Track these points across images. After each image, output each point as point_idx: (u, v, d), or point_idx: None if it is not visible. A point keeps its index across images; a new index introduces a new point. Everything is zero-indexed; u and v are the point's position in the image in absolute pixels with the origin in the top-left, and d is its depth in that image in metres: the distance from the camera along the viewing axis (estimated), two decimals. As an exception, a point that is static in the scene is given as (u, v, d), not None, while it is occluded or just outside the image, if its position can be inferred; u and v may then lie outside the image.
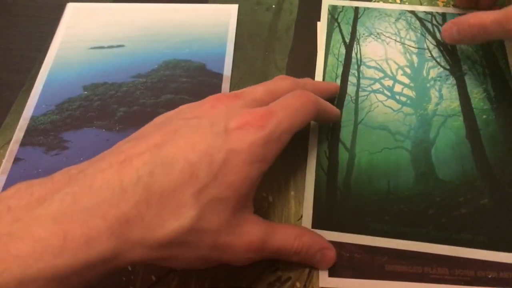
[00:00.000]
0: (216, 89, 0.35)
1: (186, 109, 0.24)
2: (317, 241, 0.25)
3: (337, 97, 0.33)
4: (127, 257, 0.19)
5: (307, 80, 0.29)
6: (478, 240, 0.27)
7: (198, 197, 0.20)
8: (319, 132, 0.32)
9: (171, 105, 0.34)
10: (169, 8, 0.40)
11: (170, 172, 0.20)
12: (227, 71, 0.36)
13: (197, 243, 0.20)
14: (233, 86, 0.35)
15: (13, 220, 0.18)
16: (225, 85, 0.35)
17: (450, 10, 0.38)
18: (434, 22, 0.37)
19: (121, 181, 0.19)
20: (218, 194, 0.20)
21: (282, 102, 0.24)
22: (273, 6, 0.40)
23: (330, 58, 0.35)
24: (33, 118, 0.34)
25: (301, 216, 0.29)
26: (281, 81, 0.27)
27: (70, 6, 0.40)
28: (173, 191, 0.19)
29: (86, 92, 0.35)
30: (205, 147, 0.21)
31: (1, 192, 0.20)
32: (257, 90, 0.25)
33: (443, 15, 0.37)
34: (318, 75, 0.34)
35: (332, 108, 0.30)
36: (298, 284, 0.26)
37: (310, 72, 0.35)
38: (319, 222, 0.28)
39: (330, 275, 0.26)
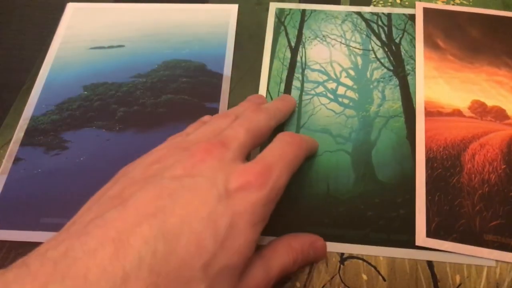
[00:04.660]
0: (216, 89, 0.35)
1: (169, 162, 0.22)
2: (305, 241, 0.26)
3: None
4: None
5: (273, 106, 0.29)
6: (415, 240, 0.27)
7: (207, 269, 0.18)
8: None
9: (171, 105, 0.34)
10: (169, 8, 0.40)
11: (174, 247, 0.18)
12: (227, 71, 0.36)
13: None
14: (233, 86, 0.35)
15: None
16: (225, 85, 0.35)
17: (396, 10, 0.38)
18: (380, 23, 0.37)
19: (122, 267, 0.16)
20: (227, 262, 0.19)
21: (277, 152, 0.23)
22: (273, 6, 0.40)
23: (275, 62, 0.35)
24: (33, 118, 0.34)
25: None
26: (256, 116, 0.26)
27: (70, 6, 0.40)
28: (180, 267, 0.18)
29: (86, 92, 0.35)
30: (208, 213, 0.19)
31: None
32: (240, 134, 0.24)
33: (389, 16, 0.37)
34: (263, 81, 0.34)
35: (314, 145, 0.30)
36: (298, 284, 0.26)
37: (310, 72, 0.35)
38: None
39: None
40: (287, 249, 0.24)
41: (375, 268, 0.27)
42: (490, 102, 0.32)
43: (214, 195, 0.20)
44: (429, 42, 0.35)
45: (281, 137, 0.25)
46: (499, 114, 0.32)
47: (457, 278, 0.26)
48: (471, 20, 0.36)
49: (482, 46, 0.35)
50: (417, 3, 0.37)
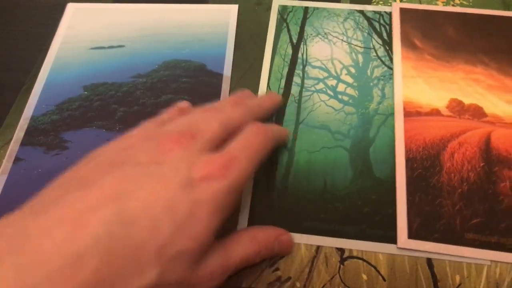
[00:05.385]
0: (216, 89, 0.35)
1: (138, 150, 0.22)
2: (270, 233, 0.26)
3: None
4: None
5: (254, 102, 0.29)
6: None
7: (161, 253, 0.19)
8: None
9: (171, 105, 0.34)
10: (169, 8, 0.40)
11: (131, 230, 0.18)
12: (227, 71, 0.36)
13: None
14: (233, 86, 0.35)
15: None
16: (225, 85, 0.35)
17: None
18: (382, 21, 0.37)
19: (77, 246, 0.17)
20: (182, 247, 0.19)
21: (242, 143, 0.24)
22: (273, 6, 0.40)
23: (276, 58, 0.36)
24: (33, 118, 0.34)
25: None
26: (233, 111, 0.26)
27: (70, 6, 0.40)
28: (135, 249, 0.18)
29: (86, 92, 0.35)
30: (168, 199, 0.20)
31: None
32: (213, 127, 0.24)
33: (391, 15, 0.37)
34: (264, 76, 0.35)
35: (283, 134, 0.30)
36: (298, 284, 0.26)
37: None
38: (255, 221, 0.28)
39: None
40: (251, 240, 0.25)
41: (375, 268, 0.27)
42: (467, 100, 0.32)
43: (176, 183, 0.20)
44: (407, 42, 0.35)
45: (247, 128, 0.25)
46: (476, 112, 0.32)
47: (457, 278, 0.26)
48: (447, 19, 0.36)
49: (459, 45, 0.35)
50: (393, 4, 0.37)
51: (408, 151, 0.30)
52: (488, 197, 0.28)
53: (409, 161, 0.30)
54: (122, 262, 0.18)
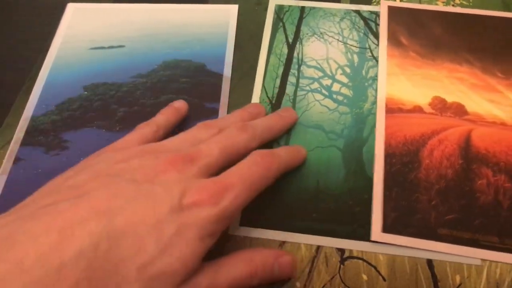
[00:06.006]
0: (216, 89, 0.35)
1: (133, 165, 0.22)
2: (269, 254, 0.24)
3: (276, 97, 0.34)
4: None
5: (263, 125, 0.28)
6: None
7: (143, 271, 0.19)
8: None
9: (171, 105, 0.34)
10: (169, 8, 0.40)
11: (115, 245, 0.18)
12: (227, 71, 0.36)
13: None
14: (233, 86, 0.35)
15: None
16: (225, 85, 0.35)
17: None
18: (378, 22, 0.37)
19: (59, 257, 0.17)
20: (166, 267, 0.19)
21: (240, 172, 0.23)
22: (273, 6, 0.40)
23: (272, 58, 0.36)
24: (33, 118, 0.34)
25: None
26: (238, 135, 0.26)
27: (70, 6, 0.40)
28: (117, 265, 0.18)
29: (86, 92, 0.35)
30: (156, 220, 0.20)
31: None
32: (213, 152, 0.24)
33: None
34: (259, 76, 0.35)
35: (295, 159, 0.29)
36: (298, 284, 0.26)
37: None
38: (246, 219, 0.28)
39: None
40: (245, 261, 0.23)
41: (375, 268, 0.27)
42: (450, 98, 0.33)
43: (166, 205, 0.20)
44: (393, 39, 0.36)
45: (251, 157, 0.24)
46: (458, 110, 0.32)
47: (457, 278, 0.26)
48: (434, 18, 0.36)
49: (445, 44, 0.35)
50: (382, 2, 0.38)
51: (387, 146, 0.30)
52: (464, 194, 0.28)
53: (388, 156, 0.30)
54: (102, 278, 0.18)
